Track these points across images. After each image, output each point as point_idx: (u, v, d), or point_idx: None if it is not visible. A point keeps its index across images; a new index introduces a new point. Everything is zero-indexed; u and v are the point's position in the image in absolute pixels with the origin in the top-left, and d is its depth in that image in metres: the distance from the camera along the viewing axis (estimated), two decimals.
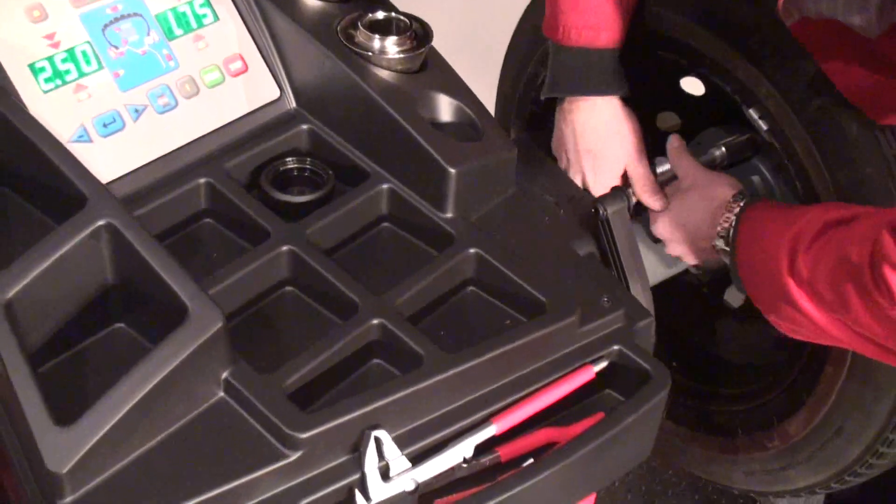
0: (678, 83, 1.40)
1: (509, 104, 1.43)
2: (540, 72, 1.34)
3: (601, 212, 1.05)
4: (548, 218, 1.08)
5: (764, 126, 1.13)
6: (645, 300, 1.06)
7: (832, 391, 1.14)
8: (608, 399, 0.99)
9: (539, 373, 0.95)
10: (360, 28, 1.06)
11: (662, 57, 1.23)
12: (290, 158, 1.05)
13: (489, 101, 1.46)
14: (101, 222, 0.86)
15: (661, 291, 1.38)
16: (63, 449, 0.77)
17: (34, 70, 0.96)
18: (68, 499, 0.79)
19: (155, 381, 0.80)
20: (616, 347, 0.98)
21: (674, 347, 1.44)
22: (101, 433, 0.78)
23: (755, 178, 1.27)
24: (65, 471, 0.77)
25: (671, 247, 1.16)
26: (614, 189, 1.09)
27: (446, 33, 1.98)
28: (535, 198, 1.11)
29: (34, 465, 0.79)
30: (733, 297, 1.42)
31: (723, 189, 1.10)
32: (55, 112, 0.96)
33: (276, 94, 1.08)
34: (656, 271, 1.20)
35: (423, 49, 1.06)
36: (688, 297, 1.43)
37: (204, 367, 0.84)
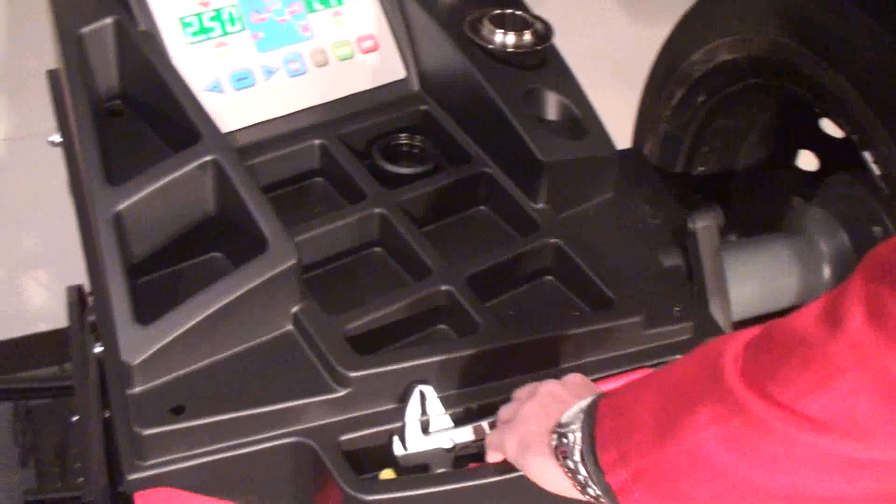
0: (817, 123, 1.39)
1: (646, 121, 1.46)
2: (676, 91, 1.37)
3: (690, 225, 1.07)
4: (640, 226, 1.11)
5: (877, 171, 1.13)
6: (722, 319, 1.07)
7: None
8: None
9: (596, 366, 0.98)
10: (486, 22, 1.13)
11: (799, 94, 1.23)
12: (402, 134, 1.13)
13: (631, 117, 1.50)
14: (208, 157, 0.95)
15: None
16: (137, 344, 0.87)
17: (183, 23, 1.07)
18: (137, 389, 0.88)
19: (228, 300, 0.89)
20: (678, 357, 1.00)
21: None
22: (173, 336, 0.87)
23: (876, 229, 1.25)
24: (136, 363, 0.86)
25: None
26: (708, 205, 1.11)
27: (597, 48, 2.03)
28: (633, 205, 1.14)
29: (114, 358, 0.89)
30: None
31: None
32: (195, 62, 1.07)
33: (402, 74, 1.16)
34: (754, 303, 1.20)
35: (541, 46, 1.12)
36: None
37: (275, 297, 0.91)
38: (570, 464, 0.76)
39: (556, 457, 0.78)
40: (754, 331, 0.68)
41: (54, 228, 1.53)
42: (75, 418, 1.31)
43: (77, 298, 1.27)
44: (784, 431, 0.64)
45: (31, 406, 1.64)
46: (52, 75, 1.18)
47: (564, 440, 0.77)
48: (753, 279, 1.20)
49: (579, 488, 0.77)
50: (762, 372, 0.65)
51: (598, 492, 0.75)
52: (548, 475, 0.79)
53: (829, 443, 0.63)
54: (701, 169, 1.41)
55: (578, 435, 0.76)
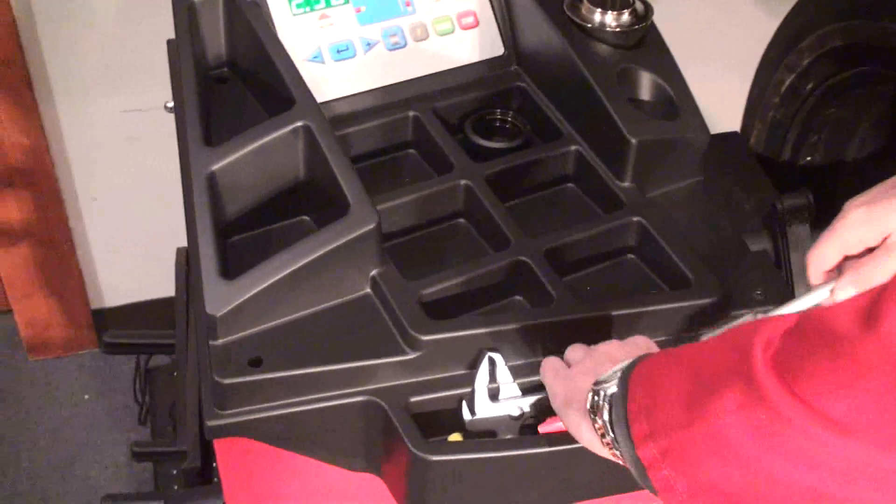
0: None
1: (755, 107, 1.44)
2: (786, 78, 1.35)
3: (778, 207, 1.05)
4: (730, 209, 1.10)
5: None
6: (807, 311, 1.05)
7: None
8: None
9: (669, 345, 0.98)
10: (585, 1, 1.13)
11: None
12: (495, 110, 1.14)
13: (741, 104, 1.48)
14: (300, 123, 0.99)
15: None
16: (221, 297, 0.91)
17: None
18: (220, 341, 0.92)
19: (309, 259, 0.92)
20: None
21: None
22: (255, 291, 0.91)
23: None
24: (219, 315, 0.91)
25: None
26: (800, 189, 1.09)
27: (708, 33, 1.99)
28: (726, 189, 1.12)
29: (201, 311, 0.94)
30: None
31: None
32: (299, 33, 1.11)
33: (500, 51, 1.17)
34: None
35: (638, 26, 1.12)
36: None
37: (354, 259, 0.95)
38: (600, 422, 0.77)
39: (590, 415, 0.78)
40: (793, 318, 0.67)
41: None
42: (175, 373, 1.38)
43: (185, 259, 1.33)
44: (804, 428, 0.62)
45: (149, 367, 1.73)
46: (170, 45, 1.24)
47: (597, 398, 0.77)
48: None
49: (608, 449, 0.78)
50: (792, 363, 0.64)
51: (626, 459, 0.75)
52: (583, 432, 0.80)
53: (851, 446, 0.61)
54: (808, 159, 1.38)
55: (612, 391, 0.77)
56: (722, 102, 1.55)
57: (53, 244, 1.94)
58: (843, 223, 0.83)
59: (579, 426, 0.81)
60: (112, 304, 2.09)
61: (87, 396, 2.03)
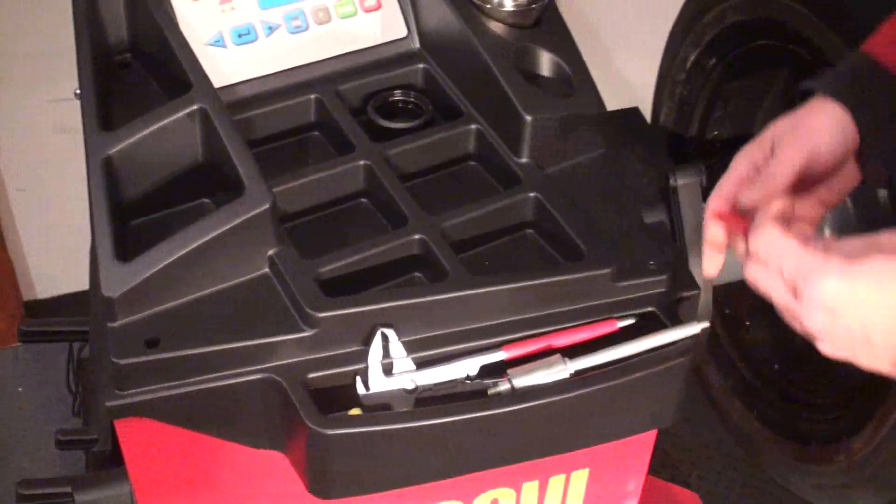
0: None
1: (663, 84, 1.46)
2: (690, 54, 1.37)
3: (672, 181, 1.08)
4: (628, 183, 1.12)
5: None
6: (700, 276, 1.08)
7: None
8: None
9: (564, 316, 1.00)
10: None
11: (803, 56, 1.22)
12: (397, 91, 1.16)
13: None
14: (195, 106, 1.00)
15: None
16: (117, 279, 0.92)
17: None
18: (118, 322, 0.93)
19: (204, 240, 0.93)
20: (649, 309, 1.02)
21: (780, 352, 1.43)
22: (150, 272, 0.92)
23: (881, 192, 1.24)
24: (116, 296, 0.92)
25: (827, 345, 0.82)
26: (691, 163, 1.11)
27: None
28: (625, 163, 1.15)
29: (98, 294, 0.95)
30: None
31: None
32: (200, 18, 1.12)
33: (403, 33, 1.19)
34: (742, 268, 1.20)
35: (535, 5, 1.14)
36: None
37: (250, 239, 0.96)
38: None
39: None
40: None
41: None
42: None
43: None
44: None
45: (82, 357, 1.73)
46: None
47: None
48: None
49: None
50: None
51: None
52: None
53: None
54: (715, 133, 1.41)
55: None
56: (640, 79, 1.58)
57: None
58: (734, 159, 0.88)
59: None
60: (44, 295, 2.09)
61: (20, 389, 2.03)
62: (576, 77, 1.12)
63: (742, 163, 0.94)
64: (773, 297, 0.85)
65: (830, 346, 0.82)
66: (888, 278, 0.77)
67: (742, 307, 1.49)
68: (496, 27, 1.14)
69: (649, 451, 1.14)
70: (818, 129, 0.92)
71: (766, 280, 0.85)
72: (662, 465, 1.85)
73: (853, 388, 1.24)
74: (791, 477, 1.32)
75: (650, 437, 1.11)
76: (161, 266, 0.93)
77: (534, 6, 1.14)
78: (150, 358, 0.92)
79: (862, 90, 0.92)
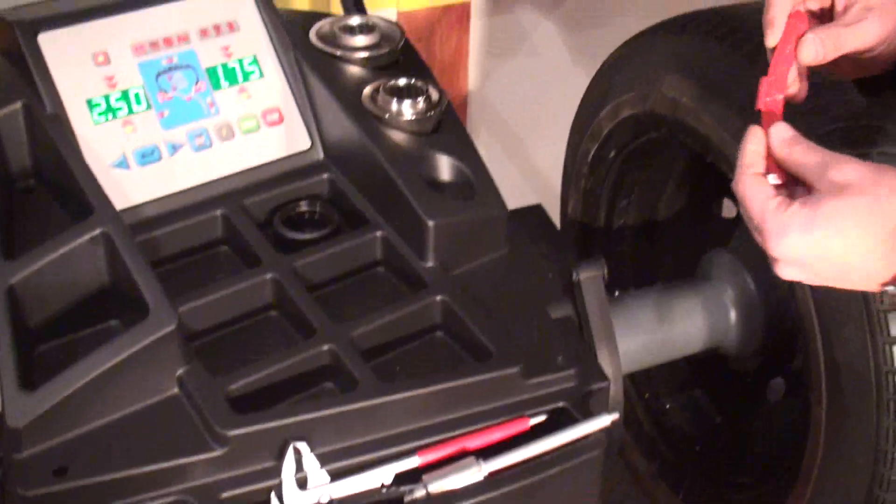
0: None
1: (569, 178, 1.50)
2: (591, 147, 1.41)
3: (574, 276, 1.11)
4: (534, 279, 1.15)
5: None
6: (611, 368, 1.10)
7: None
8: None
9: (476, 417, 1.01)
10: (382, 92, 1.18)
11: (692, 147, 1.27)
12: (304, 202, 1.18)
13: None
14: (98, 230, 1.01)
15: (703, 373, 1.40)
16: (22, 408, 0.92)
17: (90, 104, 1.13)
18: (25, 453, 0.92)
19: (109, 365, 0.94)
20: (560, 404, 1.03)
21: (700, 432, 1.45)
22: (56, 401, 0.92)
23: None
24: (21, 427, 0.91)
25: (807, 276, 0.87)
26: (593, 258, 1.14)
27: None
28: (530, 260, 1.17)
29: (3, 425, 0.94)
30: (773, 391, 1.42)
31: None
32: (102, 140, 1.13)
33: (307, 144, 1.21)
34: (653, 350, 1.23)
35: (432, 113, 1.17)
36: (726, 381, 1.45)
37: (157, 361, 0.96)
38: None
39: None
40: None
41: None
42: None
43: None
44: None
45: None
46: None
47: None
48: (652, 326, 1.23)
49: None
50: None
51: None
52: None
53: None
54: (622, 222, 1.45)
55: None
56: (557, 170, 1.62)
57: None
58: None
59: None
60: None
61: None
62: (476, 179, 1.15)
63: None
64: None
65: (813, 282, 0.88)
66: (842, 220, 0.82)
67: (661, 390, 1.51)
68: (396, 136, 1.16)
69: None
70: None
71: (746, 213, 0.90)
72: None
73: (770, 465, 1.27)
74: None
75: None
76: (67, 393, 0.92)
77: (431, 114, 1.17)
78: (59, 488, 0.91)
79: None
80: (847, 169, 0.84)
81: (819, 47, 0.93)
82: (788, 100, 0.95)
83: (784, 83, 0.94)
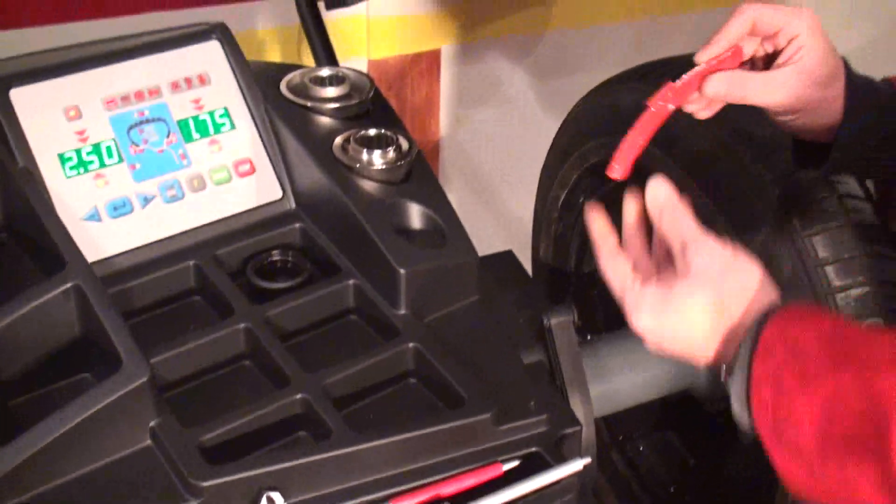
0: None
1: (539, 223, 1.52)
2: (561, 194, 1.44)
3: (545, 322, 1.12)
4: (505, 325, 1.16)
5: None
6: (584, 412, 1.11)
7: None
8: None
9: (449, 463, 1.02)
10: (352, 142, 1.20)
11: None
12: (276, 251, 1.19)
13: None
14: (70, 284, 1.01)
15: (676, 414, 1.41)
16: None
17: (62, 159, 1.14)
18: None
19: (82, 417, 0.94)
20: (533, 449, 1.04)
21: (674, 473, 1.46)
22: (29, 454, 0.92)
23: None
24: None
25: (660, 348, 0.95)
26: (564, 304, 1.16)
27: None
28: (501, 306, 1.19)
29: None
30: (746, 433, 1.43)
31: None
32: (73, 194, 1.14)
33: (278, 194, 1.22)
34: (625, 392, 1.25)
35: (402, 162, 1.19)
36: (699, 423, 1.46)
37: (130, 413, 0.96)
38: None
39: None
40: None
41: None
42: None
43: None
44: None
45: None
46: None
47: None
48: (623, 370, 1.24)
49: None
50: None
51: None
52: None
53: None
54: (591, 267, 1.47)
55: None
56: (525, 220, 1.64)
57: None
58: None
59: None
60: None
61: None
62: (447, 227, 1.16)
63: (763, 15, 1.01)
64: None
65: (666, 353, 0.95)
66: (689, 309, 0.90)
67: (635, 432, 1.52)
68: (367, 185, 1.18)
69: None
70: None
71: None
72: None
73: (741, 502, 1.28)
74: None
75: None
76: (40, 447, 0.92)
77: (401, 163, 1.19)
78: None
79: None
80: (704, 253, 0.91)
81: (722, 85, 0.99)
82: (690, 113, 1.04)
83: (684, 97, 1.01)
